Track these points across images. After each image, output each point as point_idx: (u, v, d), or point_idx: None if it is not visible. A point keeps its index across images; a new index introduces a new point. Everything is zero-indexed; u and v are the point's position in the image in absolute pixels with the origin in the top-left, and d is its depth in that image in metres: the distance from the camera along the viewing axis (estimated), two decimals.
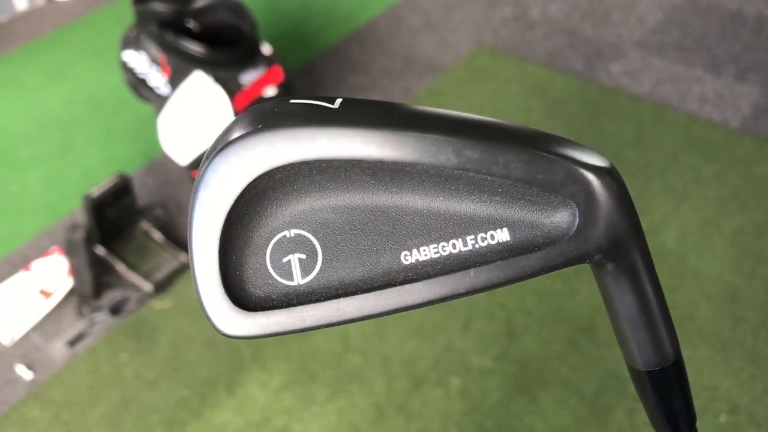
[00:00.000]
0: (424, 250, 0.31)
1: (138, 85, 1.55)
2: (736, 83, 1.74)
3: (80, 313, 1.33)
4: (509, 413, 1.13)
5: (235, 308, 0.30)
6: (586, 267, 0.37)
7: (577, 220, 0.31)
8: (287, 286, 0.31)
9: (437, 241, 0.31)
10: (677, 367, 0.36)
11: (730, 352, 1.18)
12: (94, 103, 1.86)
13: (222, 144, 0.29)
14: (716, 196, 1.45)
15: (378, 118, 0.30)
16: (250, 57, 1.46)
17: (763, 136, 1.58)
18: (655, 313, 0.34)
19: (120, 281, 1.37)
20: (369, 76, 1.89)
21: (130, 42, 1.55)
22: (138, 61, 1.53)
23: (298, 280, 0.31)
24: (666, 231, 1.39)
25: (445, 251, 0.31)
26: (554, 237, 0.31)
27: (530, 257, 0.31)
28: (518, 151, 0.30)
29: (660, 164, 1.54)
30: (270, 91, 1.48)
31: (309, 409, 1.16)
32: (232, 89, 1.42)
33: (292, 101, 0.30)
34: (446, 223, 0.31)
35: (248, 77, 1.44)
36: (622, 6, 2.06)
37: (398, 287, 0.30)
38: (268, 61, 1.49)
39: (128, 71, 1.55)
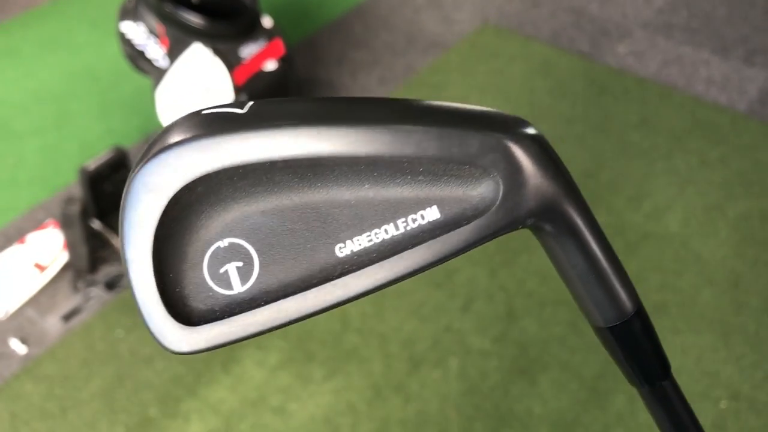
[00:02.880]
0: (358, 240, 0.31)
1: (136, 57, 1.52)
2: (744, 66, 1.71)
3: (75, 288, 1.31)
4: (508, 395, 1.12)
5: (179, 325, 0.30)
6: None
7: (501, 187, 0.31)
8: (228, 295, 0.31)
9: (369, 228, 0.31)
10: (639, 318, 0.36)
11: (732, 338, 1.17)
12: (91, 75, 1.83)
13: (136, 167, 0.29)
14: (721, 180, 1.43)
15: (287, 115, 0.30)
16: (251, 30, 1.43)
17: None
18: (604, 268, 0.34)
19: (116, 256, 1.35)
20: (371, 52, 1.86)
21: (129, 13, 1.52)
22: (136, 32, 1.50)
23: (238, 288, 0.31)
24: (670, 214, 1.37)
25: (378, 238, 0.31)
26: (483, 208, 0.31)
27: (461, 231, 0.31)
28: (427, 129, 0.30)
29: (665, 147, 1.52)
30: (270, 65, 1.45)
31: (306, 388, 1.15)
32: (231, 62, 1.39)
33: (203, 112, 0.30)
34: (375, 211, 0.31)
35: (248, 50, 1.41)
36: None
37: (336, 281, 0.31)
38: (269, 34, 1.46)
39: (126, 43, 1.52)
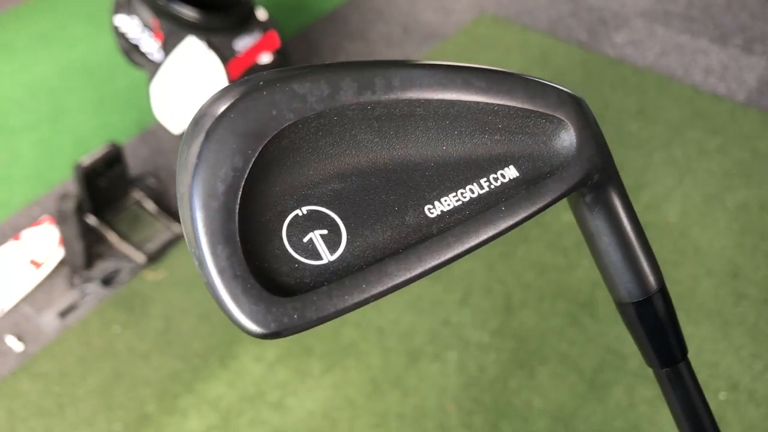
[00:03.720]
0: (446, 200, 0.31)
1: (130, 51, 1.51)
2: (743, 55, 1.70)
3: (71, 284, 1.30)
4: (507, 389, 1.12)
5: (274, 297, 0.26)
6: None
7: (575, 140, 0.32)
8: (318, 266, 0.28)
9: (454, 189, 0.31)
10: (662, 296, 0.37)
11: (732, 329, 1.17)
12: (86, 69, 1.82)
13: (217, 115, 0.26)
14: (720, 170, 1.42)
15: (383, 63, 0.30)
16: (245, 22, 1.42)
17: None
18: (633, 242, 0.36)
19: (112, 252, 1.35)
20: (367, 44, 1.85)
21: (122, 6, 1.51)
22: (130, 25, 1.49)
23: (327, 257, 0.28)
24: (668, 205, 1.36)
25: (465, 197, 0.31)
26: (557, 163, 0.32)
27: (547, 183, 0.32)
28: (516, 78, 0.32)
29: (663, 137, 1.51)
30: (265, 58, 1.44)
31: (304, 382, 1.15)
32: (225, 55, 1.38)
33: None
34: (457, 170, 0.31)
35: (243, 43, 1.40)
36: None
37: (435, 238, 0.29)
38: (264, 26, 1.45)
39: (120, 36, 1.51)
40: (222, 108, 0.26)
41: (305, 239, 0.28)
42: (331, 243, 0.28)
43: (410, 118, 0.30)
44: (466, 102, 0.30)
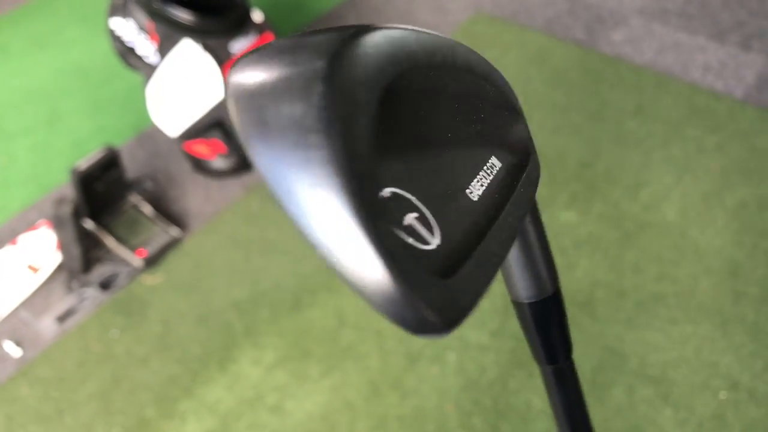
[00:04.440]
0: (478, 182, 0.30)
1: (126, 54, 1.50)
2: (741, 52, 1.70)
3: (69, 289, 1.30)
4: (506, 389, 1.12)
5: (442, 280, 0.23)
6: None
7: (527, 131, 0.34)
8: (431, 251, 0.25)
9: (476, 172, 0.30)
10: (555, 300, 0.40)
11: (731, 328, 1.16)
12: (82, 73, 1.81)
13: (334, 52, 0.23)
14: (719, 168, 1.42)
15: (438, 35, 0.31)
16: (241, 25, 1.41)
17: None
18: (537, 247, 0.38)
19: (109, 256, 1.34)
20: None
21: (118, 9, 1.50)
22: (126, 28, 1.48)
23: (431, 240, 0.25)
24: (667, 204, 1.36)
25: (486, 179, 0.31)
26: (522, 153, 0.33)
27: (527, 170, 0.33)
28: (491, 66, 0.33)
29: (661, 135, 1.50)
30: None
31: (303, 385, 1.14)
32: (221, 58, 1.37)
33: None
34: (470, 158, 0.31)
35: (239, 46, 1.40)
36: None
37: (501, 217, 0.30)
38: (260, 29, 1.45)
39: (116, 39, 1.50)
40: (330, 55, 0.22)
41: (405, 222, 0.25)
42: (427, 225, 0.26)
43: (442, 95, 0.29)
44: (477, 84, 0.31)
